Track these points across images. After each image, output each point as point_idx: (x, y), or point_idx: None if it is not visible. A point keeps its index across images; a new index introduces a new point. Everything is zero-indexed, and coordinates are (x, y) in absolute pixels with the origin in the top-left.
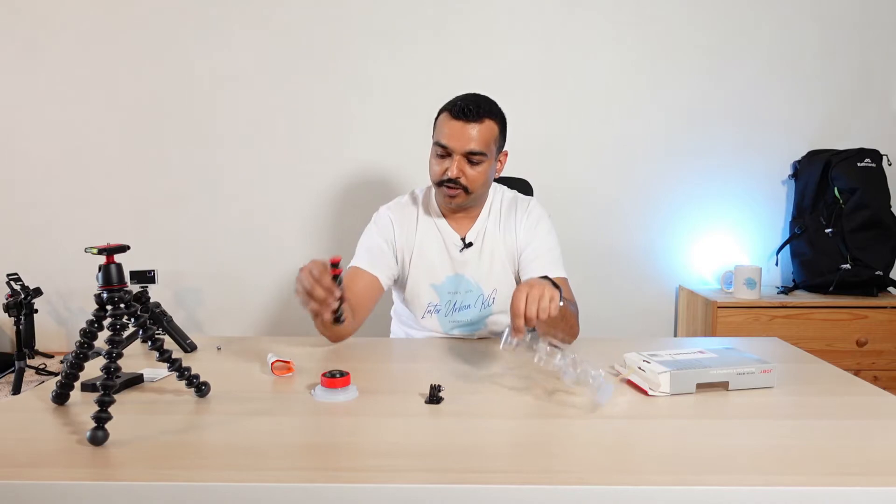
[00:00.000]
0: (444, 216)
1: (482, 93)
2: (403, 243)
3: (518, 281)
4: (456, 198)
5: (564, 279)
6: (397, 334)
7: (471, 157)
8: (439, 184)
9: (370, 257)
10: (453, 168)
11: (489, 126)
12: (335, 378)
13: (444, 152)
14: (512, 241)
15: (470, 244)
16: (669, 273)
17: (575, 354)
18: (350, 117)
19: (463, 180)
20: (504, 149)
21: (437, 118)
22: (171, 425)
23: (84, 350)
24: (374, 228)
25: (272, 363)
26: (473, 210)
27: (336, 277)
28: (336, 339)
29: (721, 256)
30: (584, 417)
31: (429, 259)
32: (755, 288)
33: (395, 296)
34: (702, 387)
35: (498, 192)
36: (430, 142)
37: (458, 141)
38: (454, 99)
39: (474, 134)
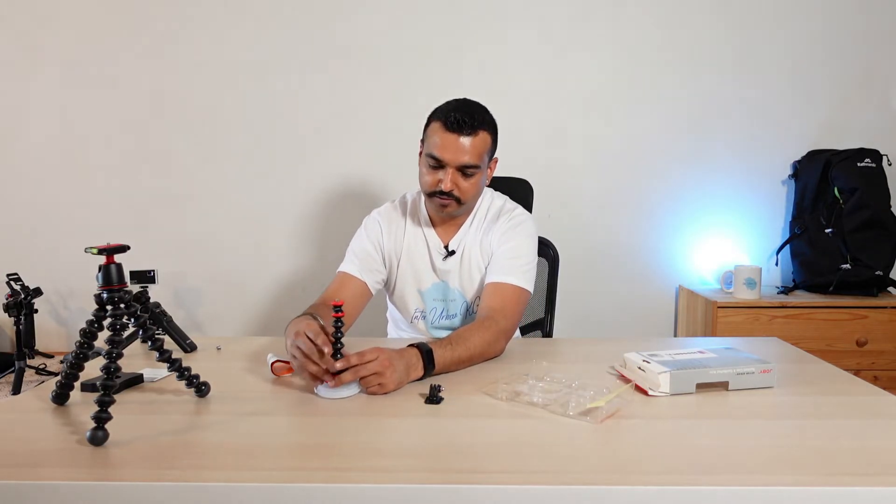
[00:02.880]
0: (432, 223)
1: (483, 93)
2: (391, 247)
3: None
4: (448, 207)
5: (516, 288)
6: (394, 335)
7: (464, 170)
8: (431, 195)
9: (359, 262)
10: (447, 181)
11: (483, 138)
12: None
13: (436, 164)
14: (487, 248)
15: (452, 252)
16: (669, 273)
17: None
18: (351, 119)
19: (456, 192)
20: (495, 156)
21: (427, 125)
22: (171, 425)
23: (84, 350)
24: (364, 233)
25: (272, 363)
26: (460, 218)
27: (338, 321)
28: None
29: (721, 256)
30: (584, 418)
31: (415, 265)
32: (755, 288)
33: (387, 299)
34: (702, 387)
35: (486, 200)
36: (420, 143)
37: (452, 154)
38: (446, 107)
39: (468, 147)
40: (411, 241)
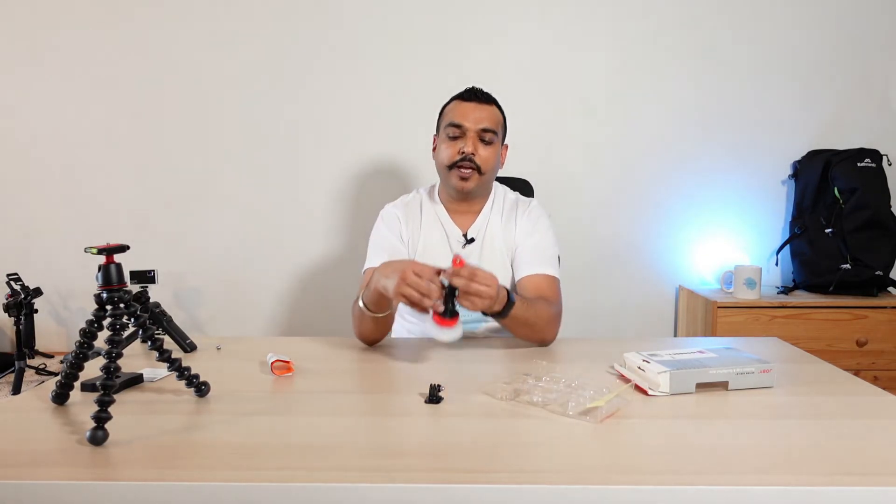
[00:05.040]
0: (448, 212)
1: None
2: (409, 238)
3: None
4: (469, 179)
5: (553, 278)
6: (399, 332)
7: (483, 136)
8: (451, 166)
9: (388, 256)
10: (468, 144)
11: (496, 111)
12: (447, 318)
13: (457, 132)
14: (511, 238)
15: (472, 240)
16: (669, 273)
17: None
18: (350, 117)
19: (477, 159)
20: (505, 141)
21: (442, 110)
22: (170, 425)
23: (84, 350)
24: (383, 226)
25: (272, 363)
26: (476, 205)
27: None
28: (374, 340)
29: (721, 256)
30: (584, 417)
31: (433, 255)
32: (755, 288)
33: None
34: (701, 387)
35: (500, 191)
36: (431, 139)
37: (472, 120)
38: (460, 91)
39: (486, 115)
40: (428, 231)
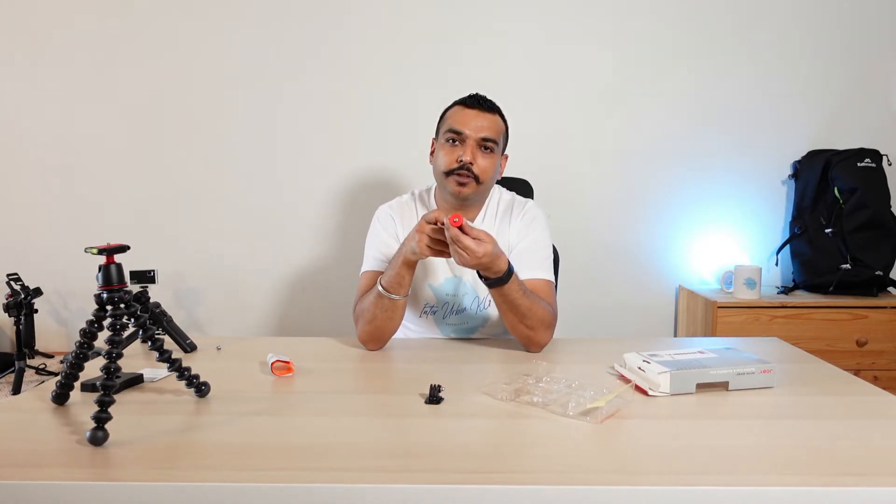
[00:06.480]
0: None
1: (482, 91)
2: (404, 239)
3: None
4: (466, 186)
5: (548, 282)
6: (396, 334)
7: (484, 144)
8: (449, 173)
9: (384, 258)
10: (467, 153)
11: (498, 121)
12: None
13: (457, 139)
14: (505, 242)
15: None
16: (669, 273)
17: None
18: (352, 118)
19: (475, 168)
20: (505, 152)
21: (444, 114)
22: (171, 425)
23: (84, 350)
24: (379, 227)
25: (272, 363)
26: (472, 210)
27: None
28: (384, 336)
29: (721, 256)
30: (584, 418)
31: (428, 260)
32: (755, 288)
33: None
34: (702, 387)
35: (496, 194)
36: (431, 141)
37: (473, 128)
38: (463, 97)
39: (488, 123)
40: None
